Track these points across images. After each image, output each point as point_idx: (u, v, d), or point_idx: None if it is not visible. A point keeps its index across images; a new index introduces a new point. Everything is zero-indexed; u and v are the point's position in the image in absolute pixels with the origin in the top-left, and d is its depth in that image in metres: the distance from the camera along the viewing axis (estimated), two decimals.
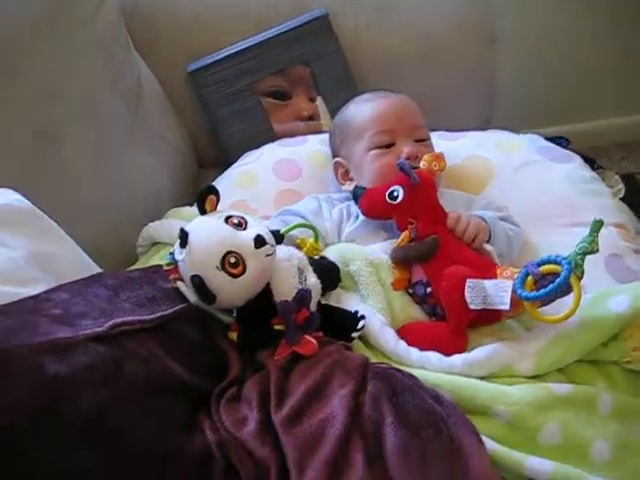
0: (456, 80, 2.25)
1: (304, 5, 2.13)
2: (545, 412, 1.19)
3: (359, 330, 1.30)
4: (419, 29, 2.19)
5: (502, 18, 2.36)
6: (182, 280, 1.23)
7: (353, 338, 1.30)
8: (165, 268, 1.26)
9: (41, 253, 1.22)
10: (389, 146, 1.69)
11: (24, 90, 1.48)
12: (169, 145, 2.03)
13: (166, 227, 1.60)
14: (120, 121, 1.79)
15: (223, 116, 2.12)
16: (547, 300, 1.26)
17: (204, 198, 1.25)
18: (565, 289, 1.23)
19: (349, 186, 1.77)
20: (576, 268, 1.22)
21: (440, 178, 1.66)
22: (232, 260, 1.18)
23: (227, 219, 1.23)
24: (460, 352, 1.30)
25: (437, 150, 1.78)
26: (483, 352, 1.28)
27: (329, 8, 2.11)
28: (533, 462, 1.14)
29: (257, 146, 2.03)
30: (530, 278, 1.26)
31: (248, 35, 2.09)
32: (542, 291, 1.23)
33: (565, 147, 1.96)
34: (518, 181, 1.78)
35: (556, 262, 1.25)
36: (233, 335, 1.23)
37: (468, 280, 1.31)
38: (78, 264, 1.31)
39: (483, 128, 2.04)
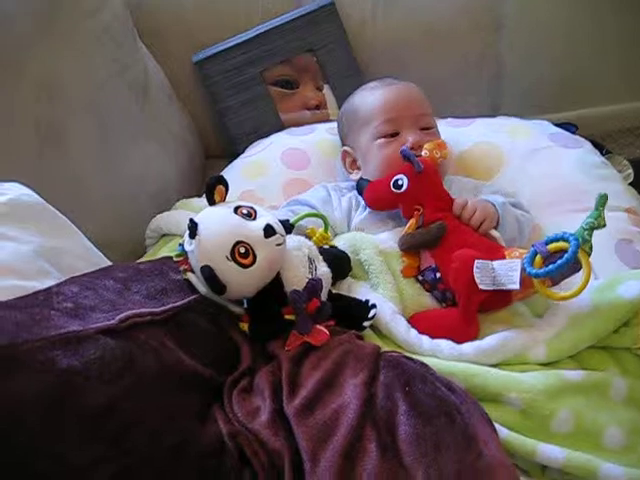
0: (463, 67, 2.25)
1: None
2: (557, 399, 1.19)
3: (370, 319, 1.30)
4: (425, 17, 2.19)
5: (507, 5, 2.35)
6: (192, 271, 1.23)
7: (364, 327, 1.30)
8: (175, 259, 1.26)
9: (51, 247, 1.22)
10: (394, 135, 1.68)
11: (27, 83, 1.47)
12: (176, 136, 2.02)
13: (175, 218, 1.59)
14: (126, 113, 1.78)
15: (230, 106, 2.12)
16: (557, 277, 1.25)
17: (213, 189, 1.25)
18: (574, 265, 1.22)
19: (356, 175, 1.77)
20: (584, 243, 1.22)
21: (447, 165, 1.66)
22: (242, 250, 1.18)
23: (236, 209, 1.23)
24: (471, 340, 1.30)
25: (444, 138, 1.77)
26: (495, 339, 1.28)
27: None
28: (545, 449, 1.14)
29: (264, 136, 2.03)
30: (538, 257, 1.26)
31: (254, 24, 2.09)
32: (551, 266, 1.22)
33: (573, 133, 1.95)
34: (528, 167, 1.77)
35: (563, 239, 1.24)
36: (244, 326, 1.23)
37: (476, 261, 1.31)
38: (87, 257, 1.31)
39: (491, 115, 2.03)
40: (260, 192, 1.81)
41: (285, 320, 1.22)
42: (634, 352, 1.29)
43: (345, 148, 1.82)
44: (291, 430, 1.04)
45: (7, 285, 1.08)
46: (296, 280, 1.26)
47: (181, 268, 1.24)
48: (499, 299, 1.33)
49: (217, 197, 1.26)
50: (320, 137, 1.97)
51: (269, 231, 1.20)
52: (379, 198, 1.54)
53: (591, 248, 1.23)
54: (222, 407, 1.10)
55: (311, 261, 1.30)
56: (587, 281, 1.21)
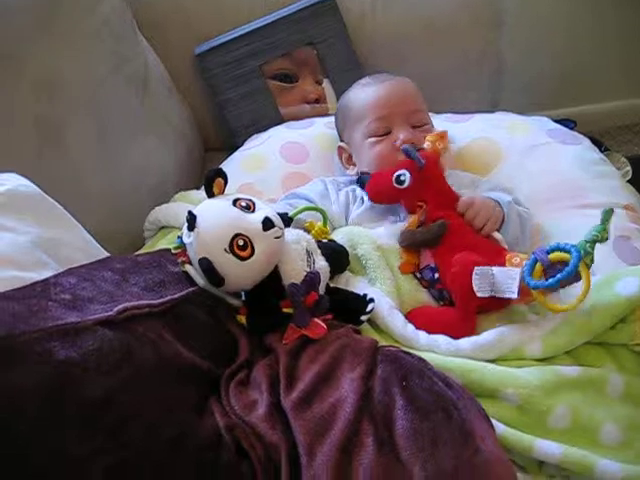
0: (462, 63, 2.25)
1: None
2: (554, 395, 1.19)
3: (368, 313, 1.30)
4: (425, 11, 2.19)
5: (508, 1, 2.35)
6: (190, 263, 1.23)
7: (362, 321, 1.30)
8: (173, 251, 1.26)
9: (48, 238, 1.22)
10: (386, 133, 1.69)
11: (27, 78, 1.47)
12: (175, 129, 2.02)
13: (173, 211, 1.59)
14: (126, 105, 1.78)
15: (229, 99, 2.12)
16: (556, 288, 1.25)
17: (212, 181, 1.25)
18: (574, 277, 1.22)
19: (353, 170, 1.78)
20: (585, 256, 1.22)
21: (447, 160, 1.65)
22: (240, 242, 1.18)
23: (235, 202, 1.23)
24: (468, 335, 1.30)
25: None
26: (491, 335, 1.28)
27: None
28: (542, 445, 1.14)
29: (264, 129, 2.03)
30: (539, 265, 1.26)
31: (255, 17, 2.09)
32: (550, 280, 1.22)
33: (572, 129, 1.96)
34: (527, 163, 1.77)
35: (565, 250, 1.24)
36: (242, 318, 1.23)
37: (476, 268, 1.30)
38: (86, 248, 1.31)
39: (490, 111, 2.03)
40: (259, 185, 1.81)
41: (283, 313, 1.22)
42: (631, 348, 1.29)
43: (340, 144, 1.83)
44: (288, 423, 1.03)
45: (5, 276, 1.08)
46: (294, 273, 1.26)
47: (179, 260, 1.24)
48: (497, 303, 1.32)
49: (216, 190, 1.26)
50: (319, 131, 1.98)
51: (267, 224, 1.20)
52: (381, 192, 1.54)
53: (592, 260, 1.23)
54: (219, 400, 1.10)
55: (309, 255, 1.30)
56: (586, 294, 1.21)
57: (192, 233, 1.19)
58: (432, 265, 1.41)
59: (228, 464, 1.01)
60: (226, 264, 1.18)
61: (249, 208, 1.23)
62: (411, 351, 1.22)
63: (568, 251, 1.23)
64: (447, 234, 1.41)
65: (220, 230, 1.19)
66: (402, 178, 1.47)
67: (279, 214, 1.27)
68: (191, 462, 0.99)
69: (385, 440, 1.00)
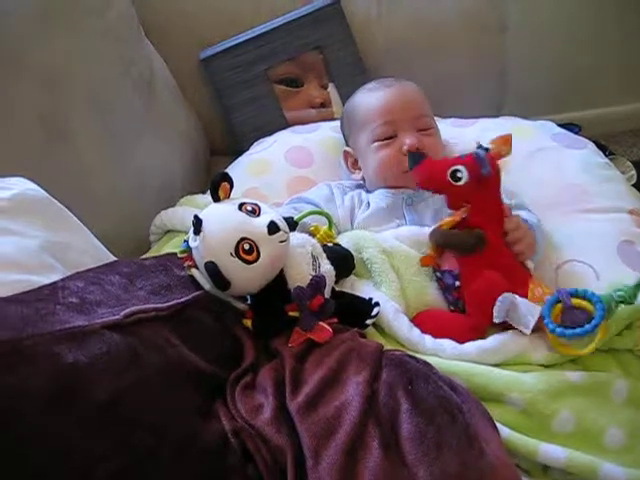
0: (467, 68, 2.25)
1: None
2: (559, 400, 1.20)
3: (373, 317, 1.30)
4: (430, 16, 2.19)
5: (511, 6, 2.35)
6: (196, 267, 1.23)
7: (367, 325, 1.31)
8: (179, 255, 1.26)
9: (56, 241, 1.22)
10: (391, 137, 1.69)
11: (33, 80, 1.47)
12: (181, 133, 2.02)
13: (179, 215, 1.60)
14: (131, 109, 1.78)
15: (235, 103, 2.12)
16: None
17: (217, 185, 1.26)
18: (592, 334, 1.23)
19: (358, 175, 1.78)
20: (608, 313, 1.23)
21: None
22: (246, 246, 1.18)
23: (241, 206, 1.23)
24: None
25: (447, 137, 1.78)
26: (497, 340, 1.29)
27: None
28: (547, 449, 1.15)
29: (269, 133, 2.03)
30: (559, 306, 1.26)
31: (260, 22, 2.09)
32: (568, 332, 1.22)
33: (577, 134, 1.95)
34: (532, 167, 1.76)
35: (591, 301, 1.24)
36: (247, 322, 1.24)
37: (502, 295, 1.29)
38: (93, 252, 1.31)
39: (494, 115, 2.03)
40: (264, 189, 1.81)
41: (288, 317, 1.22)
42: (636, 353, 1.29)
43: (346, 149, 1.83)
44: (294, 427, 1.04)
45: (13, 279, 1.08)
46: (299, 277, 1.26)
47: (185, 264, 1.25)
48: (509, 325, 1.32)
49: (221, 194, 1.26)
50: (324, 135, 1.97)
51: (273, 228, 1.20)
52: (431, 180, 1.41)
53: (612, 315, 1.25)
54: (225, 404, 1.11)
55: (315, 259, 1.30)
56: (598, 344, 1.23)
57: (198, 237, 1.20)
58: (455, 272, 1.38)
59: (234, 468, 1.01)
60: (232, 268, 1.19)
61: (254, 212, 1.23)
62: (416, 355, 1.22)
63: (593, 303, 1.24)
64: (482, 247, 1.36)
65: (226, 234, 1.19)
66: (459, 175, 1.36)
67: (284, 218, 1.27)
68: (197, 466, 1.00)
69: (390, 443, 1.01)
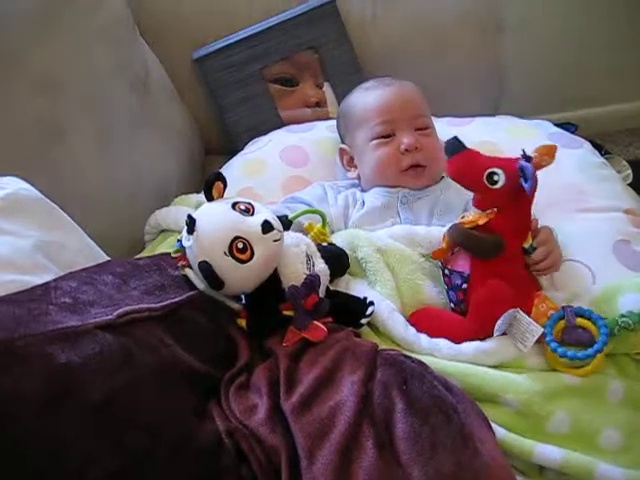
0: (463, 67, 2.25)
1: None
2: (554, 401, 1.20)
3: (368, 316, 1.30)
4: (426, 16, 2.19)
5: (508, 6, 2.35)
6: (190, 267, 1.23)
7: (362, 324, 1.30)
8: (173, 255, 1.26)
9: (49, 241, 1.22)
10: (389, 136, 1.69)
11: (29, 81, 1.47)
12: (176, 132, 2.02)
13: (173, 214, 1.59)
14: (126, 109, 1.78)
15: (230, 103, 2.11)
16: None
17: (211, 185, 1.26)
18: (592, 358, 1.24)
19: (354, 173, 1.78)
20: (610, 337, 1.24)
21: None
22: (240, 245, 1.18)
23: (234, 205, 1.23)
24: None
25: (443, 137, 1.77)
26: (494, 341, 1.29)
27: None
28: (543, 449, 1.15)
29: (264, 133, 2.03)
30: (562, 323, 1.27)
31: (255, 21, 2.09)
32: (570, 354, 1.23)
33: (573, 133, 1.95)
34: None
35: (596, 324, 1.25)
36: (242, 322, 1.23)
37: (508, 312, 1.28)
38: (86, 252, 1.31)
39: (491, 114, 2.04)
40: (259, 189, 1.81)
41: (283, 316, 1.22)
42: (632, 357, 1.29)
43: (342, 146, 1.82)
44: (288, 427, 1.04)
45: (5, 280, 1.08)
46: (294, 276, 1.26)
47: (179, 264, 1.24)
48: None
49: (215, 194, 1.26)
50: (319, 135, 1.97)
51: (267, 227, 1.20)
52: (466, 175, 1.34)
53: (613, 339, 1.25)
54: (219, 404, 1.10)
55: (309, 258, 1.30)
56: (596, 367, 1.24)
57: (192, 237, 1.20)
58: (465, 274, 1.34)
59: (228, 468, 1.01)
60: (226, 267, 1.18)
61: (248, 211, 1.23)
62: (412, 354, 1.22)
63: (597, 326, 1.25)
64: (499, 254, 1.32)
65: (219, 233, 1.19)
66: (495, 179, 1.29)
67: (278, 217, 1.27)
68: (191, 466, 0.99)
69: (385, 443, 1.00)
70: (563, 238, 1.55)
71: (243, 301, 1.26)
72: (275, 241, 1.21)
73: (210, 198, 1.26)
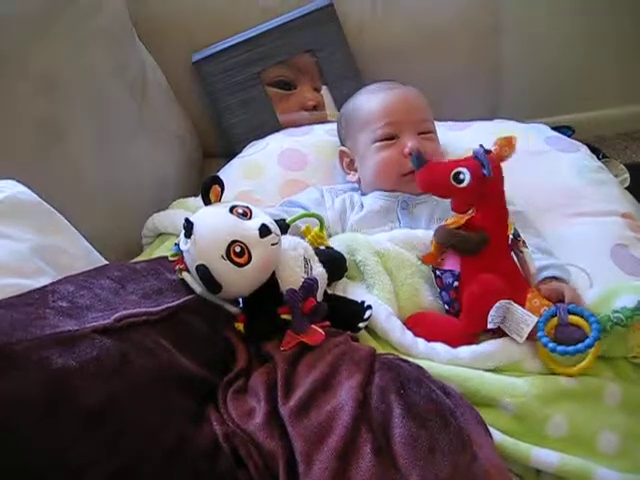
0: (461, 70, 2.25)
1: None
2: (551, 404, 1.20)
3: (366, 320, 1.29)
4: (424, 19, 2.19)
5: (506, 8, 2.35)
6: (188, 271, 1.23)
7: (360, 328, 1.30)
8: (170, 259, 1.26)
9: (46, 245, 1.22)
10: (393, 138, 1.69)
11: (27, 82, 1.47)
12: (174, 135, 2.02)
13: (171, 218, 1.59)
14: (124, 112, 1.78)
15: (228, 106, 2.11)
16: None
17: (208, 189, 1.25)
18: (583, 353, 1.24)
19: (354, 176, 1.78)
20: (602, 334, 1.23)
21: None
22: (237, 249, 1.17)
23: (232, 209, 1.23)
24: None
25: (441, 141, 1.78)
26: (491, 345, 1.28)
27: None
28: (540, 453, 1.15)
29: (262, 136, 2.03)
30: (554, 320, 1.27)
31: (253, 24, 2.09)
32: (560, 349, 1.22)
33: (570, 136, 1.96)
34: (525, 171, 1.75)
35: (588, 320, 1.25)
36: (239, 326, 1.23)
37: (498, 302, 1.28)
38: (84, 256, 1.31)
39: (488, 118, 2.04)
40: (257, 193, 1.81)
41: (281, 320, 1.21)
42: (630, 361, 1.29)
43: (342, 148, 1.82)
44: (286, 431, 1.03)
45: (3, 283, 1.08)
46: (292, 280, 1.25)
47: (177, 268, 1.24)
48: (501, 332, 1.31)
49: (213, 197, 1.26)
50: (318, 138, 1.97)
51: (264, 231, 1.19)
52: (434, 183, 1.39)
53: (606, 336, 1.25)
54: (217, 408, 1.10)
55: (307, 261, 1.30)
56: (588, 366, 1.23)
57: (189, 240, 1.19)
58: (456, 272, 1.36)
59: (225, 472, 1.01)
60: (223, 271, 1.18)
61: (246, 215, 1.23)
62: (409, 359, 1.22)
63: (589, 322, 1.24)
64: (484, 249, 1.34)
65: (217, 237, 1.18)
66: (461, 177, 1.34)
67: (276, 221, 1.27)
68: (188, 470, 0.99)
69: (383, 448, 1.00)
70: (560, 242, 1.55)
71: (241, 305, 1.25)
72: (273, 245, 1.21)
73: (207, 202, 1.25)
